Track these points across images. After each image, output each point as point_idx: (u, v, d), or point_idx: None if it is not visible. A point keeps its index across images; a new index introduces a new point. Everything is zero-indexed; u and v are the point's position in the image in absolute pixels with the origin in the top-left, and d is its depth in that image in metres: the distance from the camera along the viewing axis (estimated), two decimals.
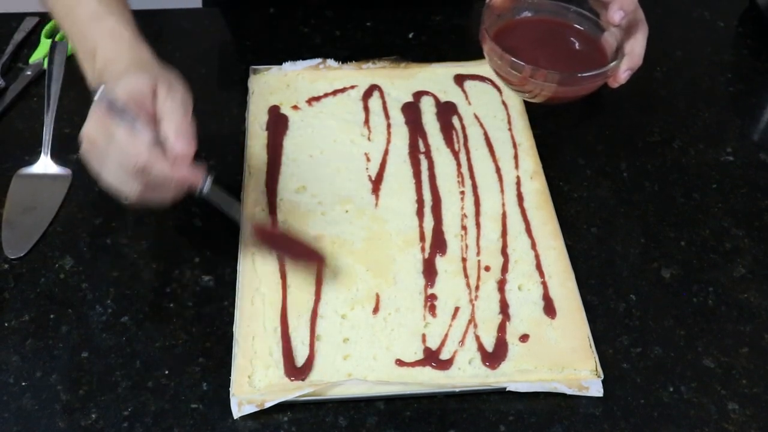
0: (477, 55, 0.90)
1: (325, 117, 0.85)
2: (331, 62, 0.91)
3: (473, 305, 0.70)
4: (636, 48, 0.72)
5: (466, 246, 0.74)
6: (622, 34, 0.73)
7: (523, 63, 0.70)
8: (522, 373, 0.65)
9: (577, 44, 0.77)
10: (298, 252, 0.71)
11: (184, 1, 1.05)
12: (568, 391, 0.65)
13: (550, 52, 0.75)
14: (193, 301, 0.70)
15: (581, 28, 0.77)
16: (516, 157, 0.82)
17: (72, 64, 0.90)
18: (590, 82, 0.72)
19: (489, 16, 0.75)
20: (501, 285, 0.71)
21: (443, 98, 0.88)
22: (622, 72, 0.72)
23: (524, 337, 0.68)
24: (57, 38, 0.90)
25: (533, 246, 0.74)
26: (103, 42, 0.66)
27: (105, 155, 0.61)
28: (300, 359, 0.66)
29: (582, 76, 0.71)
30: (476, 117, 0.86)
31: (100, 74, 0.65)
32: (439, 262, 0.73)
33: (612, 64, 0.71)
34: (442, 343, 0.67)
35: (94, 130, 0.61)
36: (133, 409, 0.64)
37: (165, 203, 0.64)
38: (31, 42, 0.94)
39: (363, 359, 0.66)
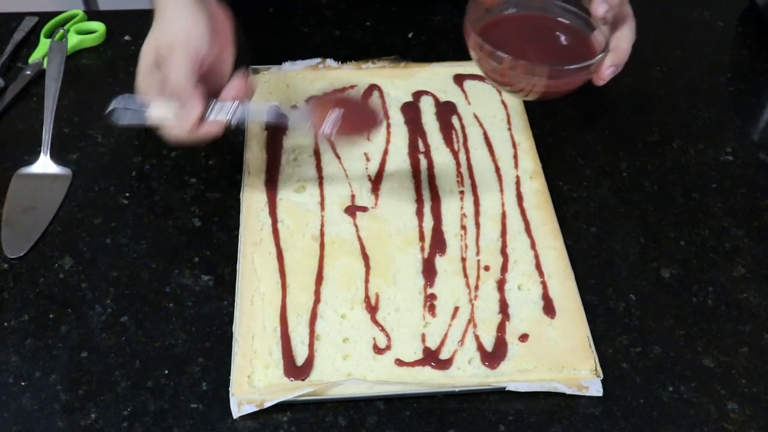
0: None
1: None
2: (330, 62, 0.91)
3: (473, 305, 0.70)
4: (621, 43, 0.69)
5: (466, 246, 0.74)
6: (610, 30, 0.71)
7: (503, 54, 0.68)
8: (521, 373, 0.65)
9: (565, 41, 0.76)
10: (355, 115, 0.71)
11: None
12: (568, 391, 0.65)
13: (539, 48, 0.74)
14: (193, 300, 0.70)
15: (571, 26, 0.76)
16: (515, 156, 0.82)
17: (71, 63, 0.91)
18: (573, 76, 0.70)
19: (476, 10, 0.73)
20: (500, 285, 0.71)
21: (443, 98, 0.88)
22: (606, 68, 0.69)
23: (524, 337, 0.68)
24: (56, 38, 0.90)
25: (533, 246, 0.74)
26: None
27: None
28: (300, 359, 0.66)
29: (565, 69, 0.69)
30: (476, 117, 0.86)
31: None
32: (439, 261, 0.73)
33: (596, 58, 0.69)
34: (442, 343, 0.67)
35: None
36: (132, 408, 0.63)
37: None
38: (30, 42, 0.93)
39: (363, 359, 0.66)
